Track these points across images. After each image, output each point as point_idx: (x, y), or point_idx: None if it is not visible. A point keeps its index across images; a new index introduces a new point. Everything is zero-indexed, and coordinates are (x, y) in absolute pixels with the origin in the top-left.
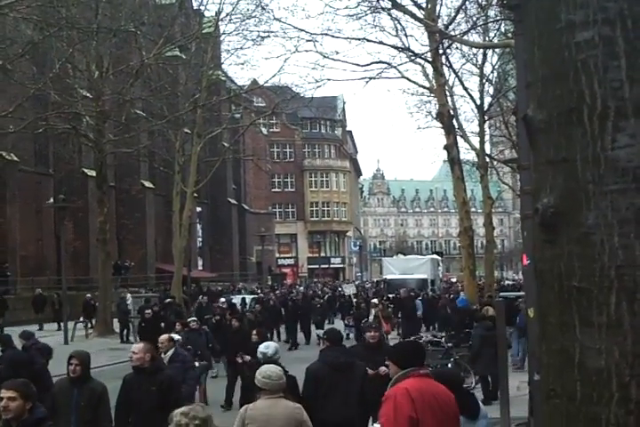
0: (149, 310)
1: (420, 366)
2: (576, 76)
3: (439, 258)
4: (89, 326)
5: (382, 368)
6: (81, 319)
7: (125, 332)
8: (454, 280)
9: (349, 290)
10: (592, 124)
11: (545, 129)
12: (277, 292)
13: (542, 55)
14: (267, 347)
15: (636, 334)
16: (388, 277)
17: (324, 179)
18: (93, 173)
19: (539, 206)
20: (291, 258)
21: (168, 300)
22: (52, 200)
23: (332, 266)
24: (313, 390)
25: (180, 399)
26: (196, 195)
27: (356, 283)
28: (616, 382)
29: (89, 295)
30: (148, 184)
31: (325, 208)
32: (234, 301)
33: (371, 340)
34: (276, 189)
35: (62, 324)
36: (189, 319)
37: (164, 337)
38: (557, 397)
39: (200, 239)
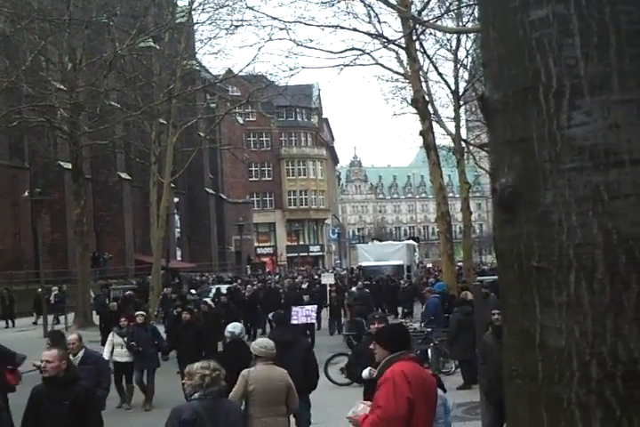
0: (114, 303)
1: (409, 349)
2: (531, 54)
3: (415, 243)
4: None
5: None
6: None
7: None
8: (429, 266)
9: (328, 279)
10: (548, 103)
11: (501, 109)
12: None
13: (497, 34)
14: (234, 327)
15: (595, 313)
16: (363, 263)
17: (302, 167)
18: (69, 166)
19: (497, 187)
20: (269, 247)
21: (128, 292)
22: (27, 193)
23: (311, 254)
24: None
25: (98, 423)
26: (173, 185)
27: (337, 271)
28: (577, 361)
29: (40, 290)
30: (124, 176)
31: (303, 196)
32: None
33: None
34: (254, 178)
35: (11, 321)
36: (136, 313)
37: (72, 337)
38: (519, 377)
39: (178, 230)
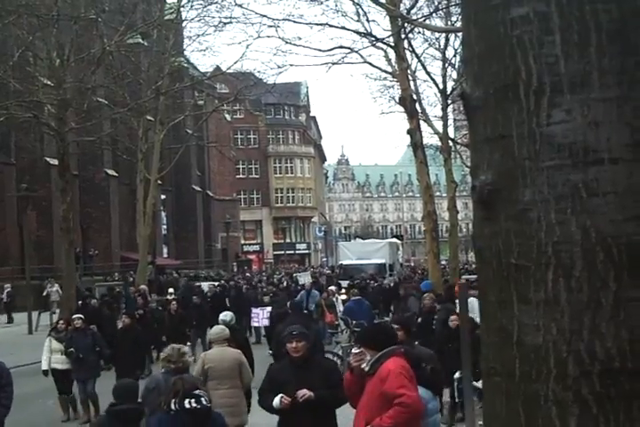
0: (95, 301)
1: (395, 344)
2: (511, 52)
3: (399, 242)
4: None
5: (304, 392)
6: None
7: None
8: (412, 265)
9: (305, 279)
10: (528, 100)
11: (482, 106)
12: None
13: (478, 32)
14: (225, 315)
15: (573, 311)
16: (344, 262)
17: (289, 165)
18: (56, 162)
19: (476, 184)
20: (256, 244)
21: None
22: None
23: (297, 252)
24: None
25: None
26: (160, 182)
27: (319, 270)
28: (554, 358)
29: (7, 285)
30: (111, 172)
31: (290, 194)
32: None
33: (294, 353)
34: (241, 176)
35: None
36: (74, 316)
37: None
38: (497, 374)
39: (165, 227)
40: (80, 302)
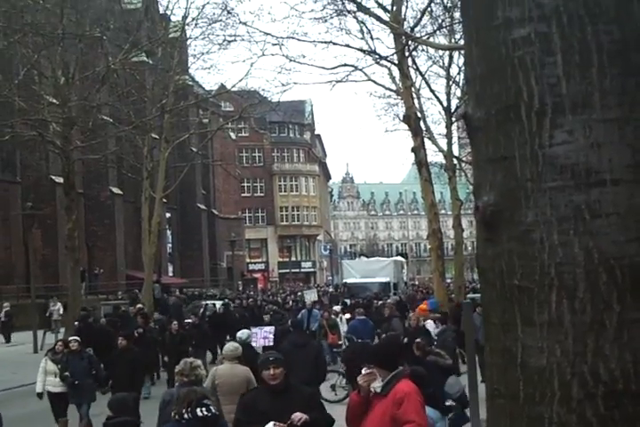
0: (92, 319)
1: (401, 364)
2: (513, 72)
3: (403, 260)
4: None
5: (300, 416)
6: (54, 327)
7: None
8: (416, 283)
9: (310, 297)
10: (530, 121)
11: (484, 126)
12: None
13: (480, 52)
14: (242, 333)
15: (576, 333)
16: (349, 280)
17: (294, 183)
18: (61, 180)
19: (479, 204)
20: (261, 263)
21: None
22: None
23: (302, 270)
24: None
25: None
26: (165, 201)
27: (324, 288)
28: (558, 380)
29: (6, 304)
30: (116, 190)
31: (295, 212)
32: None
33: (271, 381)
34: (246, 194)
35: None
36: (70, 338)
37: None
38: (501, 396)
39: (170, 245)
40: (77, 322)
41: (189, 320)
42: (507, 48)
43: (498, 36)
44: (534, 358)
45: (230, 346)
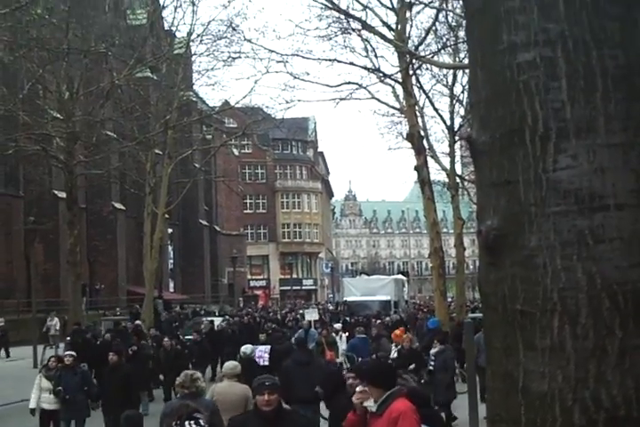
0: (109, 335)
1: (396, 383)
2: (518, 96)
3: (404, 278)
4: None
5: None
6: (51, 343)
7: None
8: (417, 301)
9: (312, 315)
10: (534, 146)
11: (488, 150)
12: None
13: (485, 76)
14: (246, 348)
15: (578, 358)
16: (349, 298)
17: (296, 200)
18: (64, 195)
19: (482, 229)
20: (263, 280)
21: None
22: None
23: (304, 288)
24: (285, 378)
25: None
26: (167, 216)
27: (325, 306)
28: (559, 406)
29: (0, 319)
30: (118, 206)
31: (297, 229)
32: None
33: (265, 407)
34: (248, 211)
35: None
36: (65, 353)
37: None
38: (502, 421)
39: (171, 261)
40: (68, 338)
41: (190, 337)
42: (512, 72)
43: (503, 59)
44: (536, 383)
45: (230, 364)
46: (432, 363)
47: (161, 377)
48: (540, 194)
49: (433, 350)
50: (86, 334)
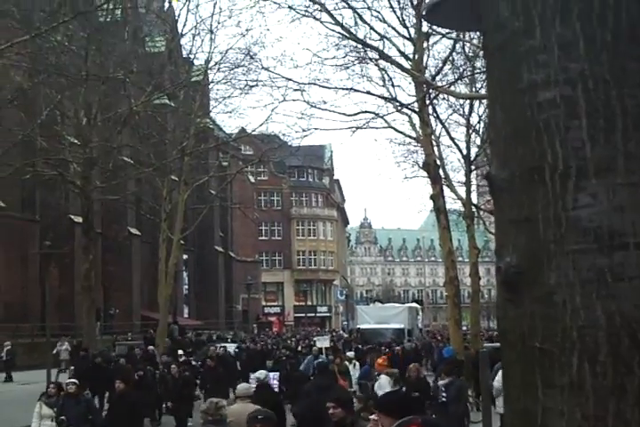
0: (123, 359)
1: (413, 413)
2: (538, 135)
3: (418, 306)
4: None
5: None
6: (65, 369)
7: None
8: (431, 329)
9: (323, 343)
10: (554, 184)
11: (507, 188)
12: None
13: (504, 114)
14: (260, 373)
15: (597, 396)
16: (362, 326)
17: (312, 227)
18: (80, 220)
19: (501, 265)
20: (277, 306)
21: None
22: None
23: (318, 315)
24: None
25: None
26: (182, 242)
27: (339, 334)
28: None
29: (7, 343)
30: (134, 231)
31: (312, 257)
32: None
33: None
34: (263, 238)
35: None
36: (67, 380)
37: None
38: None
39: (186, 287)
40: (72, 367)
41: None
42: (532, 110)
43: (523, 98)
44: (554, 420)
45: (243, 385)
46: (444, 395)
47: (169, 405)
48: (559, 232)
49: (441, 382)
50: (95, 359)
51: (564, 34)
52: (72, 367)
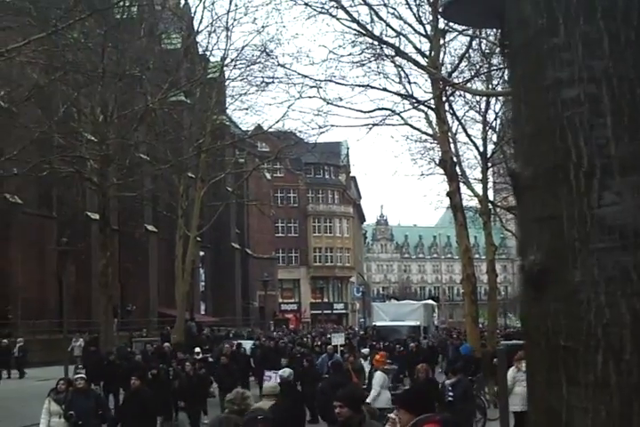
0: (139, 356)
1: (433, 411)
2: (562, 133)
3: (434, 303)
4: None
5: None
6: (79, 365)
7: None
8: (446, 326)
9: (338, 340)
10: (578, 182)
11: (531, 186)
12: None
13: (528, 112)
14: (284, 371)
15: (622, 394)
16: (378, 323)
17: (328, 224)
18: (97, 217)
19: (525, 264)
20: (293, 303)
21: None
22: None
23: (334, 312)
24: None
25: None
26: (199, 239)
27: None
28: None
29: (20, 339)
30: (151, 228)
31: (329, 254)
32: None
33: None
34: (280, 234)
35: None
36: (76, 376)
37: None
38: None
39: (203, 283)
40: (80, 366)
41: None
42: (556, 108)
43: (547, 96)
44: (579, 418)
45: (271, 383)
46: (450, 394)
47: (182, 404)
48: (584, 230)
49: (448, 381)
50: (109, 356)
51: (588, 32)
52: (78, 365)
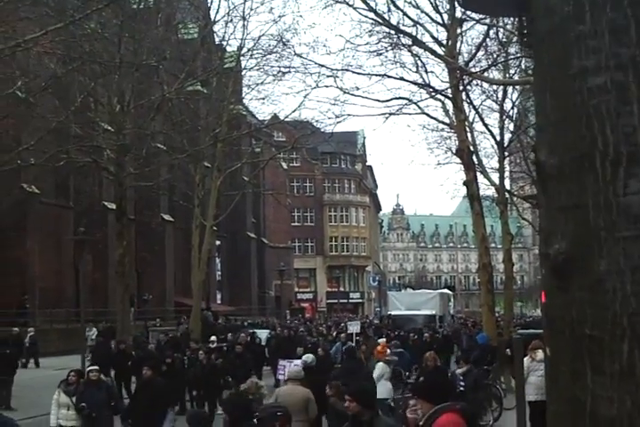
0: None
1: (452, 399)
2: (588, 121)
3: (450, 293)
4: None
5: None
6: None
7: None
8: (463, 316)
9: (354, 328)
10: (604, 170)
11: (557, 174)
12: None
13: (554, 100)
14: (307, 357)
15: None
16: (393, 312)
17: (344, 213)
18: (113, 206)
19: (550, 252)
20: (310, 293)
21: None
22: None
23: (350, 301)
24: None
25: None
26: (215, 228)
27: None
28: None
29: (30, 329)
30: (167, 217)
31: (345, 243)
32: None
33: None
34: (296, 224)
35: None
36: (89, 368)
37: None
38: None
39: (219, 273)
40: (91, 354)
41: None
42: (582, 96)
43: (573, 84)
44: (604, 408)
45: (295, 368)
46: (462, 383)
47: (193, 393)
48: (609, 218)
49: (459, 371)
50: (120, 346)
51: (614, 19)
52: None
